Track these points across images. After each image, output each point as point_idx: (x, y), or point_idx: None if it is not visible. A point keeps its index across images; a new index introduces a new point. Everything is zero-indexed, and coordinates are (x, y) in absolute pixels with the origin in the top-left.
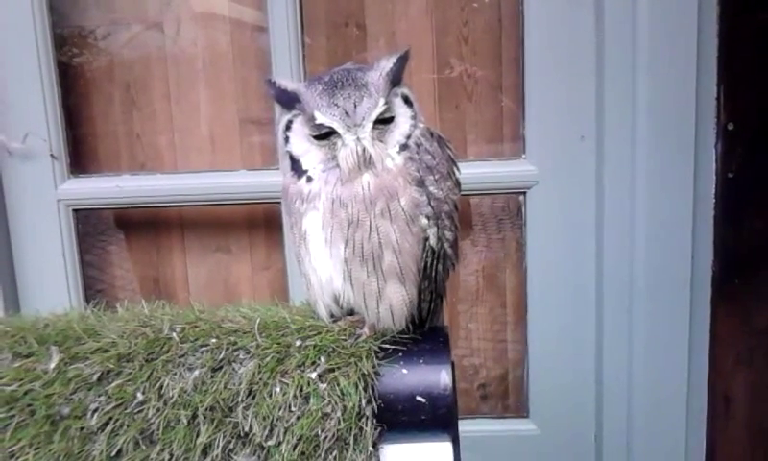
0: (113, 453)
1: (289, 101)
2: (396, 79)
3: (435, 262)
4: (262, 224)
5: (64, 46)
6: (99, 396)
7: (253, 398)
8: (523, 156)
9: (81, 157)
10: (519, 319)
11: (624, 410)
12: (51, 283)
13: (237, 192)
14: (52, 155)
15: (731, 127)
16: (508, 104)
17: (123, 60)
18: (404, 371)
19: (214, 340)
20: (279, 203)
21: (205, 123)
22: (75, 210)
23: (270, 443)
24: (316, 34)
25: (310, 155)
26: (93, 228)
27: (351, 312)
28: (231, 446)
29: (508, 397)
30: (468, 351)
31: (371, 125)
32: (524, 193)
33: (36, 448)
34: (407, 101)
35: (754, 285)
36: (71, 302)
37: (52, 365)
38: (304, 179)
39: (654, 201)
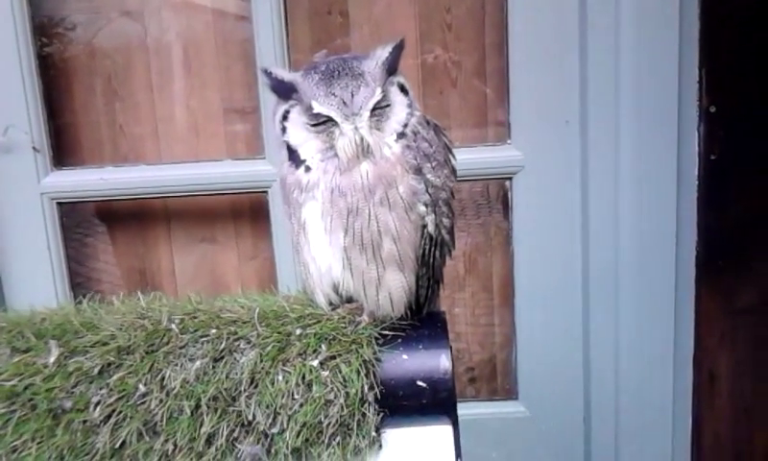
0: (117, 445)
1: (286, 91)
2: (391, 68)
3: (433, 249)
4: (248, 213)
5: (44, 37)
6: (101, 389)
7: (256, 387)
8: (508, 141)
9: (63, 150)
10: (506, 302)
11: (612, 389)
12: (36, 277)
13: (222, 182)
14: (34, 147)
15: (713, 109)
16: (492, 89)
17: (104, 51)
18: (404, 356)
19: (214, 330)
20: (265, 192)
21: (189, 113)
22: (59, 203)
23: (274, 430)
24: (299, 22)
25: (308, 144)
26: (78, 221)
27: (350, 300)
28: (235, 434)
29: (497, 379)
30: (454, 335)
31: (368, 114)
32: (510, 178)
33: (38, 443)
34: (403, 89)
35: (737, 265)
36: (57, 295)
37: (52, 359)
38: (302, 168)
39: (638, 183)
